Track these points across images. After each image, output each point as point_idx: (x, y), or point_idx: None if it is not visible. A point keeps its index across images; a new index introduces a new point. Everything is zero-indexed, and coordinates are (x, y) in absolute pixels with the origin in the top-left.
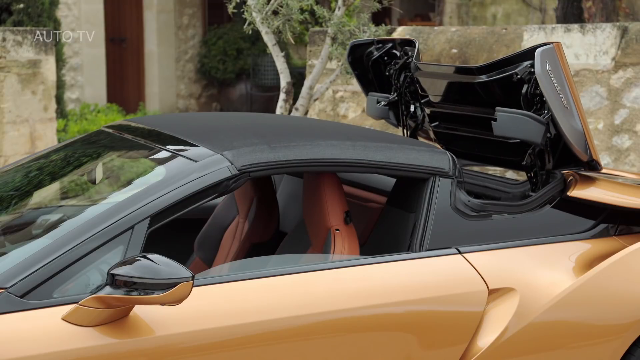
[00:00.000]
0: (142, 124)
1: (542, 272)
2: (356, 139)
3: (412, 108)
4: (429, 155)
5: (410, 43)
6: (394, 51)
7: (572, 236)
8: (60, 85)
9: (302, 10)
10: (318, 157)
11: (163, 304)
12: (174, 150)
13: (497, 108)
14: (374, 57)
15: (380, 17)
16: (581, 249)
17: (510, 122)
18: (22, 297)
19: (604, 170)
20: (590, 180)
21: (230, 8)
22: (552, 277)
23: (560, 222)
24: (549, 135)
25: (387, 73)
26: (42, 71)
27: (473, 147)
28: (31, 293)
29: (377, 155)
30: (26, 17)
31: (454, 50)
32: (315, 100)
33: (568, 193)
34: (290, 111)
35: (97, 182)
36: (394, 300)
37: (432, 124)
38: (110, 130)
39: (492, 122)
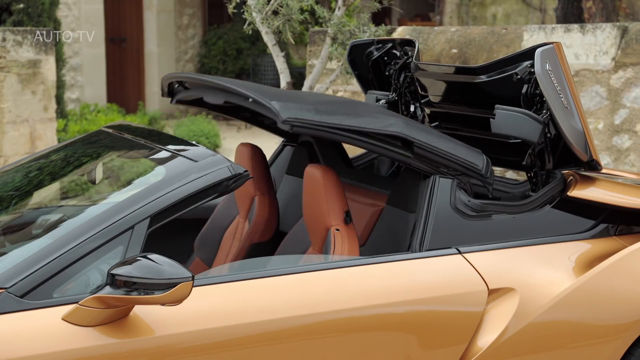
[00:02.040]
0: (194, 79)
1: (542, 272)
2: (399, 117)
3: (412, 108)
4: (465, 150)
5: (410, 43)
6: (394, 51)
7: (572, 236)
8: (60, 85)
9: (302, 10)
10: (362, 125)
11: (163, 304)
12: (174, 150)
13: (497, 106)
14: (374, 57)
15: (380, 17)
16: (581, 249)
17: (507, 120)
18: (22, 297)
19: (604, 170)
20: (590, 180)
21: (230, 8)
22: (552, 277)
23: (560, 222)
24: (548, 135)
25: (387, 73)
26: (42, 71)
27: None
28: (31, 293)
29: (420, 135)
30: (26, 17)
31: (454, 50)
32: None
33: (568, 193)
34: None
35: (97, 182)
36: (394, 300)
37: (432, 124)
38: (110, 130)
39: (490, 119)
